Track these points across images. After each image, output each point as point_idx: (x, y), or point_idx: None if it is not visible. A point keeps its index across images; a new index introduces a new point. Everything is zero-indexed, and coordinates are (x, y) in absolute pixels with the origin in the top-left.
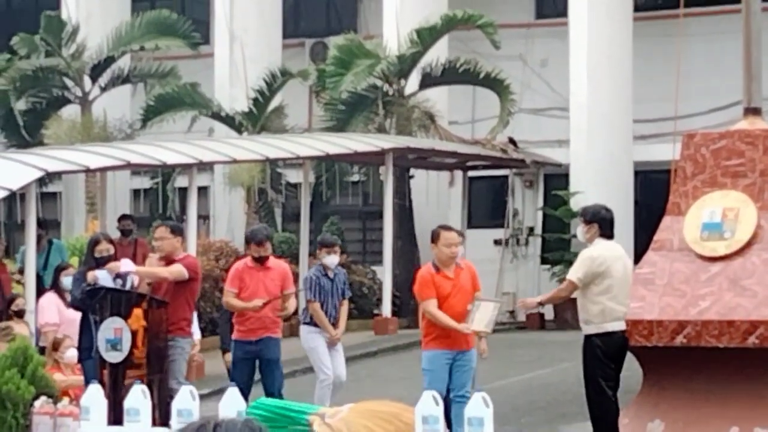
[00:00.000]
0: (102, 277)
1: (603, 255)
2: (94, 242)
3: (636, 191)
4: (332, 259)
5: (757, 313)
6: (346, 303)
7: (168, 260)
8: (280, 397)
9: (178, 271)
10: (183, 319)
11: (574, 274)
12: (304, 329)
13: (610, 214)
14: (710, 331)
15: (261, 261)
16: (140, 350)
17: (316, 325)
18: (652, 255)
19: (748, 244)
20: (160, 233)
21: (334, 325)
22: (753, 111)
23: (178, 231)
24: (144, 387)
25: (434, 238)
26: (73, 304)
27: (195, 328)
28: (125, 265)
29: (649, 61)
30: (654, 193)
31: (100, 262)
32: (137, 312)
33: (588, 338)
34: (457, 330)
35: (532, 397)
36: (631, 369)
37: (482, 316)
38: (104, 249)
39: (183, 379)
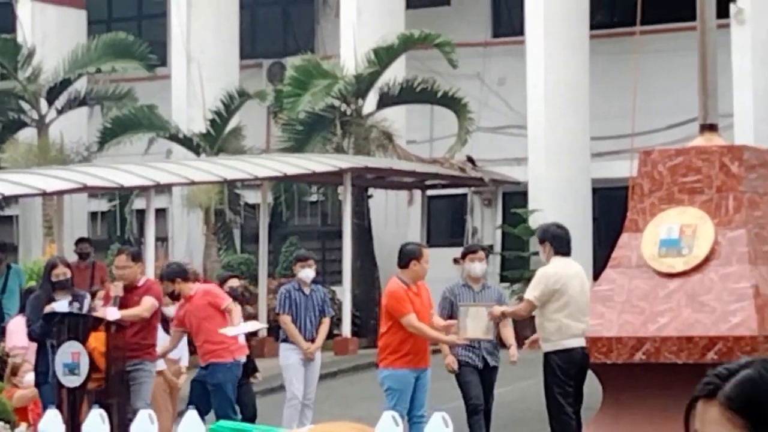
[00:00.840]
0: (59, 307)
1: (559, 272)
2: (50, 266)
3: (594, 208)
4: (306, 273)
5: (716, 329)
6: (326, 321)
7: (130, 287)
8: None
9: (152, 305)
10: (150, 344)
11: (531, 293)
12: (281, 347)
13: (563, 231)
14: (669, 348)
15: (175, 297)
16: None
17: (293, 343)
18: (610, 272)
19: (706, 261)
20: (122, 262)
21: (312, 342)
22: (709, 127)
23: (138, 257)
24: (102, 411)
25: (418, 255)
26: (32, 338)
27: (184, 352)
28: (111, 313)
29: (605, 79)
30: (612, 210)
31: (57, 286)
32: (95, 335)
33: (547, 356)
34: (446, 342)
35: (493, 415)
36: (591, 386)
37: (476, 324)
38: (61, 273)
39: (146, 403)
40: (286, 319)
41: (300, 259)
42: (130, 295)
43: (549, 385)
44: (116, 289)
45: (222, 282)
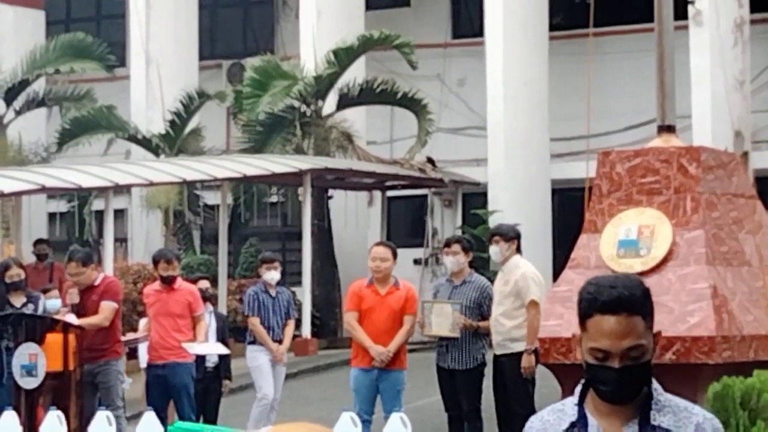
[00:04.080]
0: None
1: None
2: (4, 267)
3: (554, 209)
4: (272, 275)
5: (674, 330)
6: (291, 323)
7: (89, 288)
8: (191, 420)
9: (111, 311)
10: (116, 341)
11: (535, 294)
12: (248, 349)
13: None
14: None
15: (168, 281)
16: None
17: (261, 344)
18: (569, 273)
19: (664, 261)
20: (73, 269)
21: (279, 343)
22: (667, 129)
23: (89, 260)
24: (60, 413)
25: (369, 252)
26: None
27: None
28: (70, 319)
29: (565, 80)
30: (571, 211)
31: (11, 288)
32: (51, 337)
33: (520, 356)
34: (372, 351)
35: None
36: (550, 386)
37: (441, 320)
38: (15, 274)
39: (120, 402)
40: (255, 321)
41: (265, 261)
42: (88, 295)
43: (523, 386)
44: (72, 297)
45: (192, 283)
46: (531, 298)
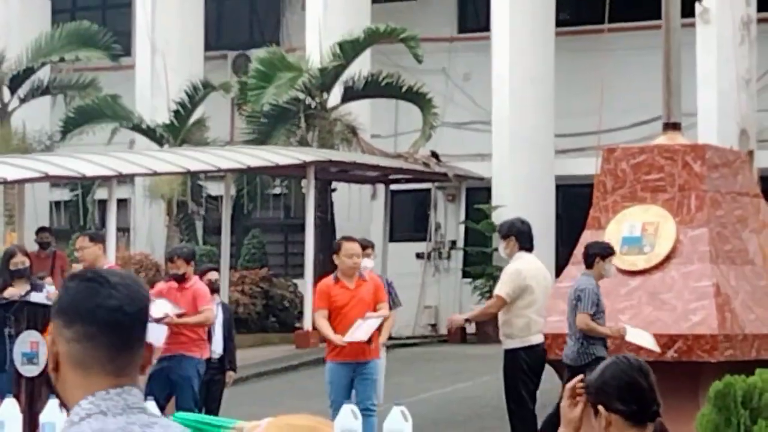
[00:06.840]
0: (35, 297)
1: (527, 268)
2: (9, 255)
3: (558, 205)
4: (365, 263)
5: (676, 327)
6: (387, 314)
7: (91, 268)
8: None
9: None
10: None
11: (502, 289)
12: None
13: (527, 226)
14: (629, 345)
15: (176, 279)
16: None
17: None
18: (572, 269)
19: (667, 259)
20: (80, 243)
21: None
22: (672, 126)
23: (98, 238)
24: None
25: (336, 249)
26: None
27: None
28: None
29: (571, 76)
30: (576, 207)
31: (15, 275)
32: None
33: (512, 352)
34: (332, 341)
35: (453, 410)
36: (552, 382)
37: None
38: (20, 262)
39: None
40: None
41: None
42: None
43: (514, 382)
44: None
45: (201, 274)
46: (497, 292)
